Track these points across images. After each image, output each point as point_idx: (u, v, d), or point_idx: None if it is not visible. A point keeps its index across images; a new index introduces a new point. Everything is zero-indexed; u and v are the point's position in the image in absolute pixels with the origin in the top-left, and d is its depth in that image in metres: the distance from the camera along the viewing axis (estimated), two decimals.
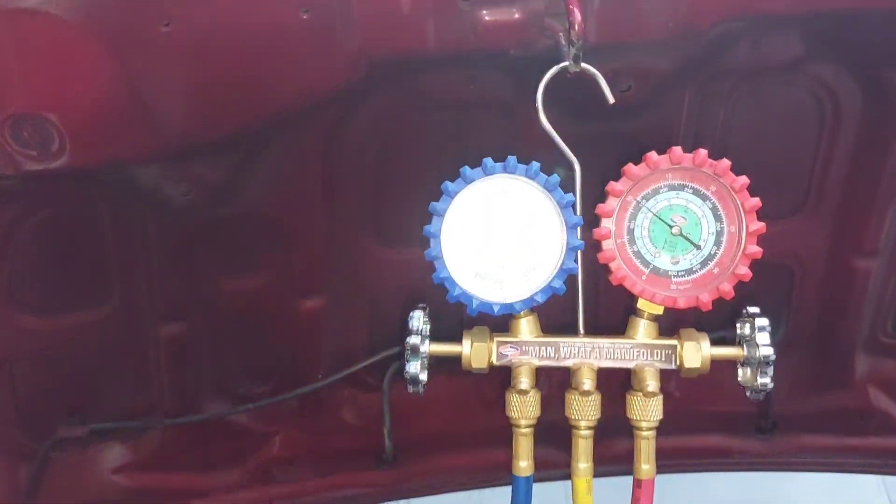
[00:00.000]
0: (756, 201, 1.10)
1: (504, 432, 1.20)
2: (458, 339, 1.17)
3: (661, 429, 1.17)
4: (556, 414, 1.18)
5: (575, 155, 1.11)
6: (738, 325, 1.19)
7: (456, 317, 1.20)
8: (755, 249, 1.11)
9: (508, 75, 1.13)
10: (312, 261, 1.28)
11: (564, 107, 1.11)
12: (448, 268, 1.13)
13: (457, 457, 1.49)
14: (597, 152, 1.14)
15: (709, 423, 1.49)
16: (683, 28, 1.07)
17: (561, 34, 1.04)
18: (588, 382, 1.13)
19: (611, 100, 1.07)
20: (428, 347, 1.17)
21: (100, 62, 1.01)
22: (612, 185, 1.12)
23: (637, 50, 1.10)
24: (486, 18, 1.03)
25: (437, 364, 1.18)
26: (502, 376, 1.19)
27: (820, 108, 1.23)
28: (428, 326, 1.19)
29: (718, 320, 1.23)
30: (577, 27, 1.01)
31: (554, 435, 1.20)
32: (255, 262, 1.29)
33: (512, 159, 1.11)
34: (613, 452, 1.29)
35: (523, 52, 1.07)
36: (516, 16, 1.03)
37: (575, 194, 1.13)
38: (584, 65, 1.05)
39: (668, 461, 1.19)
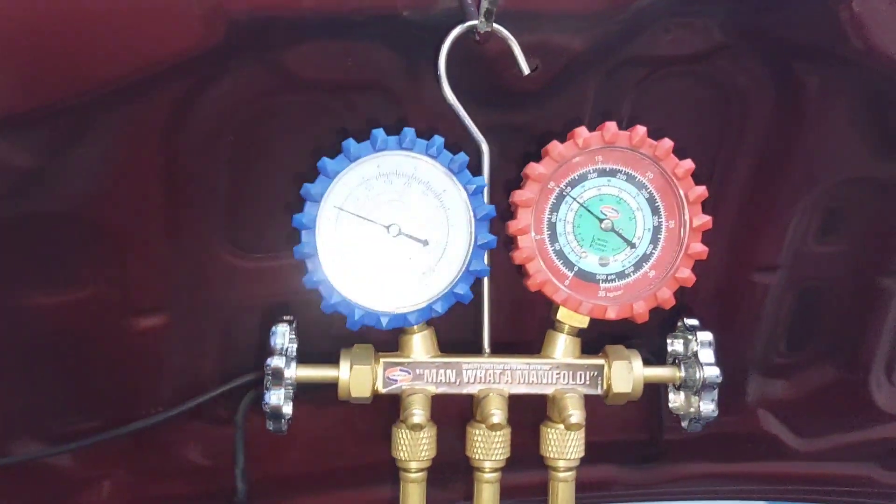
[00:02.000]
0: (702, 190, 0.92)
1: (380, 468, 1.01)
2: (332, 360, 0.92)
3: (537, 461, 0.99)
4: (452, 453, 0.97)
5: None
6: (669, 340, 1.00)
7: (329, 335, 0.98)
8: (700, 248, 0.93)
9: (393, 49, 0.94)
10: (150, 271, 1.04)
11: (456, 91, 0.92)
12: (324, 269, 0.88)
13: (322, 498, 1.26)
14: (494, 144, 0.96)
15: (592, 452, 1.34)
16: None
17: None
18: (498, 413, 0.90)
19: (526, 70, 0.89)
20: (295, 372, 0.91)
21: None
22: (533, 168, 0.90)
23: (551, 22, 0.92)
24: None
25: (301, 391, 0.96)
26: (380, 404, 0.97)
27: (725, 106, 1.08)
28: (295, 346, 0.94)
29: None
30: None
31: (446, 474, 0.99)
32: (74, 273, 1.03)
33: (409, 132, 0.89)
34: (520, 485, 1.09)
35: (418, 14, 0.88)
36: None
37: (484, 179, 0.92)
38: (496, 26, 0.87)
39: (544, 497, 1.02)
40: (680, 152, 1.06)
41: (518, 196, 0.90)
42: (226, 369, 1.12)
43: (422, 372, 0.93)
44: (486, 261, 0.92)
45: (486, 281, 0.95)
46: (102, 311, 1.05)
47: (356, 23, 0.88)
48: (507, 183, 0.95)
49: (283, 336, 0.91)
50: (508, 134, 0.99)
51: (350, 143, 0.87)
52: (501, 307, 0.98)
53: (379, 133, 0.88)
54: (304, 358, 0.94)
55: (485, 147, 0.92)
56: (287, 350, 0.91)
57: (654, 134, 0.95)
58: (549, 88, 0.96)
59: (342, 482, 1.24)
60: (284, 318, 0.94)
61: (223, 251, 1.06)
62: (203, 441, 1.20)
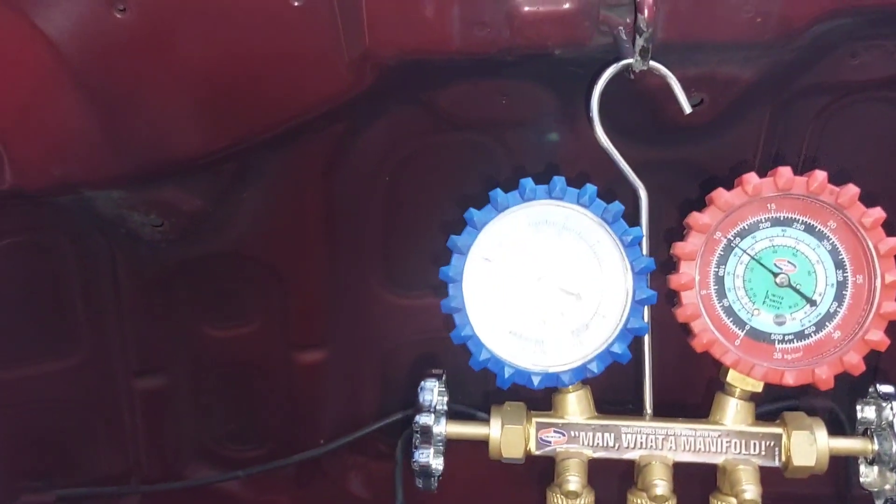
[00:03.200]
0: (895, 242, 0.81)
1: None
2: (483, 414, 0.90)
3: None
4: None
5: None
6: (859, 406, 0.89)
7: (482, 383, 0.94)
8: (894, 307, 0.81)
9: (548, 87, 0.92)
10: (311, 308, 1.09)
11: (614, 126, 0.88)
12: (473, 324, 0.85)
13: None
14: (653, 184, 0.90)
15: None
16: (777, 26, 0.83)
17: (622, 27, 0.82)
18: (662, 484, 0.83)
19: (687, 109, 0.83)
20: (445, 429, 0.88)
21: (40, 55, 0.82)
22: (696, 217, 0.83)
23: (716, 53, 0.86)
24: (525, 10, 0.83)
25: None
26: None
27: None
28: (445, 399, 0.91)
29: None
30: (646, 11, 0.80)
31: None
32: (243, 309, 1.11)
33: (559, 181, 0.84)
34: None
35: (571, 52, 0.85)
36: (564, 6, 0.83)
37: (641, 229, 0.85)
38: (653, 63, 0.82)
39: None
40: (877, 186, 0.95)
41: (680, 248, 0.83)
42: (384, 404, 1.15)
43: (577, 434, 0.87)
44: (645, 318, 0.86)
45: (647, 337, 0.88)
46: (268, 345, 1.11)
47: (507, 63, 0.85)
48: (668, 231, 0.88)
49: (431, 392, 0.88)
50: (670, 174, 0.94)
51: (497, 193, 0.84)
52: (665, 366, 0.91)
53: (527, 182, 0.84)
54: (455, 399, 0.92)
55: (643, 193, 0.86)
56: (436, 405, 0.89)
57: (841, 169, 0.85)
58: (717, 123, 0.91)
59: None
60: (433, 371, 0.91)
61: (380, 289, 1.09)
62: (365, 474, 1.24)
